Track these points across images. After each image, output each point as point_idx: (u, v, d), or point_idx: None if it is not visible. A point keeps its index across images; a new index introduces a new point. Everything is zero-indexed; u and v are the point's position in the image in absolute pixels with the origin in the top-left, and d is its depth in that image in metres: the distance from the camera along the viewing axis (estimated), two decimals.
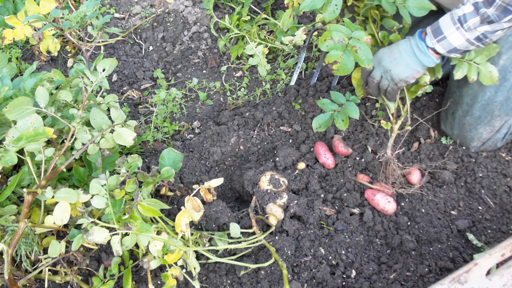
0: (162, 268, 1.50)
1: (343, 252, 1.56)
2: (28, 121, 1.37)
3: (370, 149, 1.79)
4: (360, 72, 1.62)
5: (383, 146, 1.79)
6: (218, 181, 1.49)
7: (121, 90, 2.23)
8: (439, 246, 1.55)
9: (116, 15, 2.48)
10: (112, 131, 1.47)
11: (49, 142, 1.53)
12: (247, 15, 2.32)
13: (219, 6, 2.48)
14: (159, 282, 1.49)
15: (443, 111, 1.78)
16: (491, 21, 1.24)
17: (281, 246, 1.52)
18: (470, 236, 1.55)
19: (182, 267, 1.43)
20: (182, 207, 1.41)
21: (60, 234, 1.54)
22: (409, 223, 1.63)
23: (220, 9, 2.48)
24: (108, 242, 1.34)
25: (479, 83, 1.53)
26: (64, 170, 1.52)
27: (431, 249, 1.54)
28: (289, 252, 1.52)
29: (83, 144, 1.44)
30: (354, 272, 1.51)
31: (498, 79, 1.47)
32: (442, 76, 2.00)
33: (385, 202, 1.62)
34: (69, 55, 2.31)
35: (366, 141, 1.83)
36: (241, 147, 1.89)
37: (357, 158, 1.78)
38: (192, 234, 1.46)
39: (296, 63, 2.24)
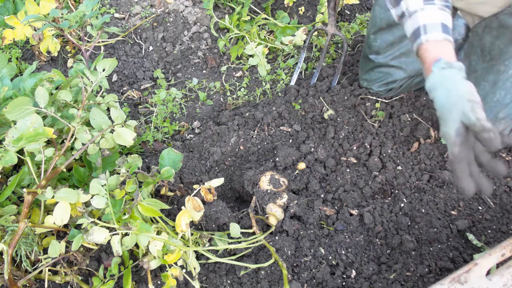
0: (162, 268, 1.49)
1: (343, 252, 1.56)
2: (28, 121, 1.37)
3: (370, 149, 1.79)
4: None
5: (383, 146, 1.79)
6: (219, 181, 1.49)
7: (121, 90, 2.23)
8: (439, 246, 1.55)
9: (116, 15, 2.47)
10: (112, 131, 1.47)
11: (49, 142, 1.53)
12: (247, 15, 2.32)
13: (219, 6, 2.48)
14: (159, 282, 1.49)
15: None
16: None
17: (281, 246, 1.52)
18: (470, 236, 1.55)
19: (182, 267, 1.42)
20: (182, 207, 1.40)
21: (60, 234, 1.54)
22: (409, 223, 1.62)
23: (220, 9, 2.48)
24: (108, 242, 1.34)
25: (492, 84, 1.53)
26: (64, 170, 1.52)
27: (431, 249, 1.54)
28: (289, 252, 1.51)
29: (83, 144, 1.44)
30: (354, 272, 1.51)
31: (510, 81, 1.46)
32: None
33: None
34: (69, 55, 2.31)
35: (366, 141, 1.83)
36: (241, 147, 1.89)
37: None
38: (192, 234, 1.46)
39: (296, 63, 2.24)
